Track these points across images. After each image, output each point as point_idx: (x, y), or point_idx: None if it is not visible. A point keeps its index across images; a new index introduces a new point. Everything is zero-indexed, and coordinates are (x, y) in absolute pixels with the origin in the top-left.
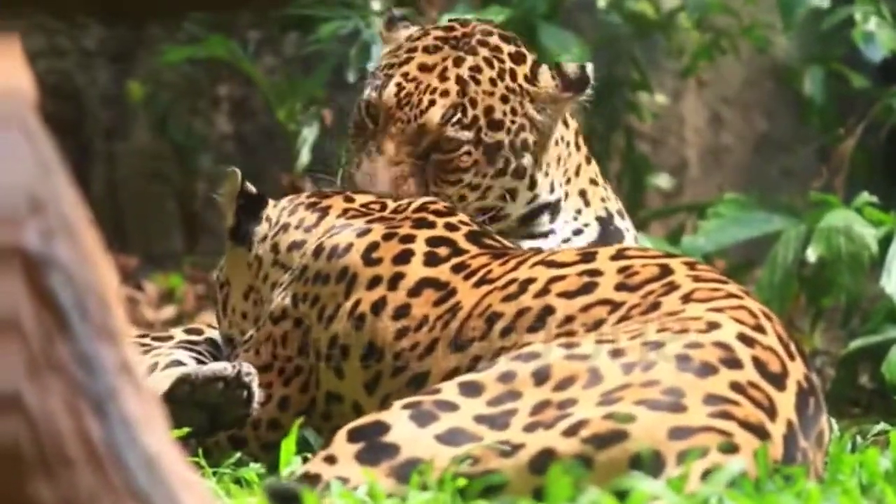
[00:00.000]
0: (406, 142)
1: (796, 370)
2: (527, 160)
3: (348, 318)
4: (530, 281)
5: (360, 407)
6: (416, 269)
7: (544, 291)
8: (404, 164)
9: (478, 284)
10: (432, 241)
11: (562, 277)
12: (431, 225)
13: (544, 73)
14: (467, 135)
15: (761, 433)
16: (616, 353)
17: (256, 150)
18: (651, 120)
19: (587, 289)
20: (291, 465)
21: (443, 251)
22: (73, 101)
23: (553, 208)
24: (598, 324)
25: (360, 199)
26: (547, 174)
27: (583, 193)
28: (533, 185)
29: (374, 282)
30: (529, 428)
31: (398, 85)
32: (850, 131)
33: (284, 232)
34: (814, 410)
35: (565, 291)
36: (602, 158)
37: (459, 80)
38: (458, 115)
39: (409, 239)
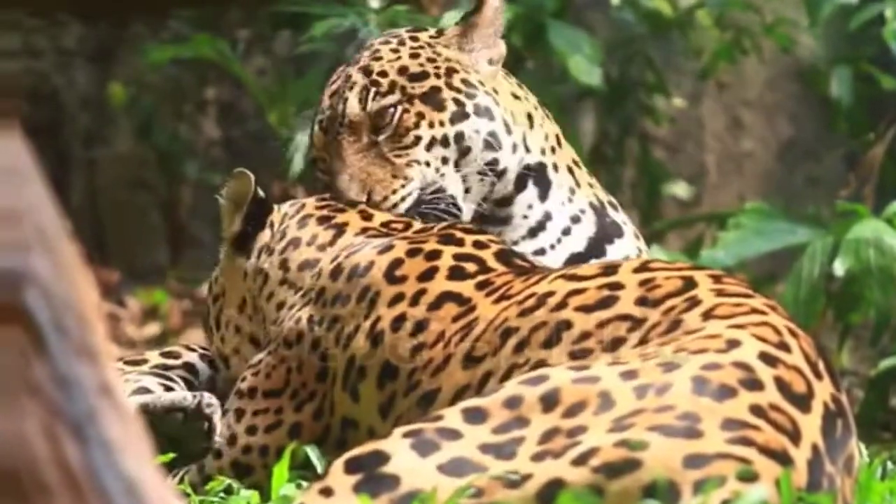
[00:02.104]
0: (347, 148)
1: (823, 390)
2: (482, 98)
3: (366, 337)
4: (549, 295)
5: (375, 432)
6: (439, 284)
7: (562, 305)
8: (358, 164)
9: (497, 301)
10: (460, 257)
11: (581, 291)
12: (460, 242)
13: (450, 27)
14: (392, 98)
15: (783, 459)
16: (629, 375)
17: (246, 157)
18: (667, 124)
19: (606, 303)
20: (284, 490)
21: (470, 267)
22: (51, 104)
23: (539, 176)
24: (615, 342)
25: (380, 217)
26: (516, 122)
27: (571, 171)
28: (508, 129)
29: (397, 299)
30: (537, 457)
31: (319, 122)
32: (881, 136)
33: (295, 248)
34: (842, 433)
35: (583, 305)
36: (615, 165)
37: (362, 69)
38: (373, 89)
39: (436, 255)
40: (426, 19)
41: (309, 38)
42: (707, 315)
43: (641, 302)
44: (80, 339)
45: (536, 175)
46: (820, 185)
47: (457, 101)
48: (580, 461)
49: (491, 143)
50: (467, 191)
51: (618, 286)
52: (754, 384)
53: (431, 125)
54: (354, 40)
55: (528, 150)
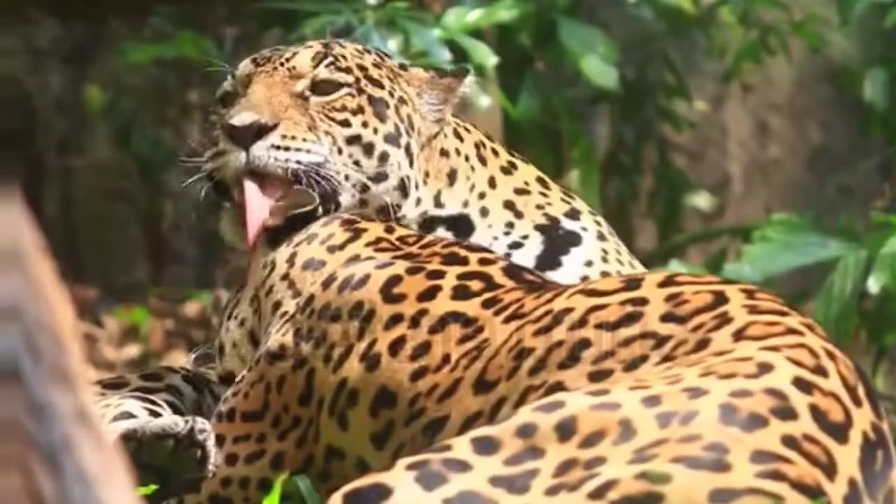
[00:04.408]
0: (280, 81)
1: (862, 419)
2: (413, 144)
3: (361, 360)
4: (567, 312)
5: (365, 464)
6: (442, 304)
7: (581, 323)
8: (282, 95)
9: (508, 320)
10: (464, 276)
11: (602, 307)
12: (464, 261)
13: (416, 69)
14: (346, 77)
15: (817, 495)
16: (651, 402)
17: None
18: (688, 130)
19: (629, 320)
20: None
21: (475, 285)
22: (23, 109)
23: (455, 225)
24: (637, 361)
25: (400, 231)
26: (426, 183)
27: (509, 205)
28: (416, 185)
29: (394, 320)
30: (552, 491)
31: (252, 58)
32: None
33: (308, 243)
34: (882, 465)
35: (604, 322)
36: (631, 174)
37: (322, 43)
38: (330, 59)
39: (438, 275)
40: (427, 17)
41: (300, 37)
42: (738, 335)
43: (667, 318)
44: (55, 362)
45: (449, 223)
46: (853, 195)
47: (396, 127)
48: (597, 495)
49: (405, 186)
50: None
51: (642, 301)
52: (787, 413)
53: (365, 125)
54: (349, 39)
55: (439, 205)
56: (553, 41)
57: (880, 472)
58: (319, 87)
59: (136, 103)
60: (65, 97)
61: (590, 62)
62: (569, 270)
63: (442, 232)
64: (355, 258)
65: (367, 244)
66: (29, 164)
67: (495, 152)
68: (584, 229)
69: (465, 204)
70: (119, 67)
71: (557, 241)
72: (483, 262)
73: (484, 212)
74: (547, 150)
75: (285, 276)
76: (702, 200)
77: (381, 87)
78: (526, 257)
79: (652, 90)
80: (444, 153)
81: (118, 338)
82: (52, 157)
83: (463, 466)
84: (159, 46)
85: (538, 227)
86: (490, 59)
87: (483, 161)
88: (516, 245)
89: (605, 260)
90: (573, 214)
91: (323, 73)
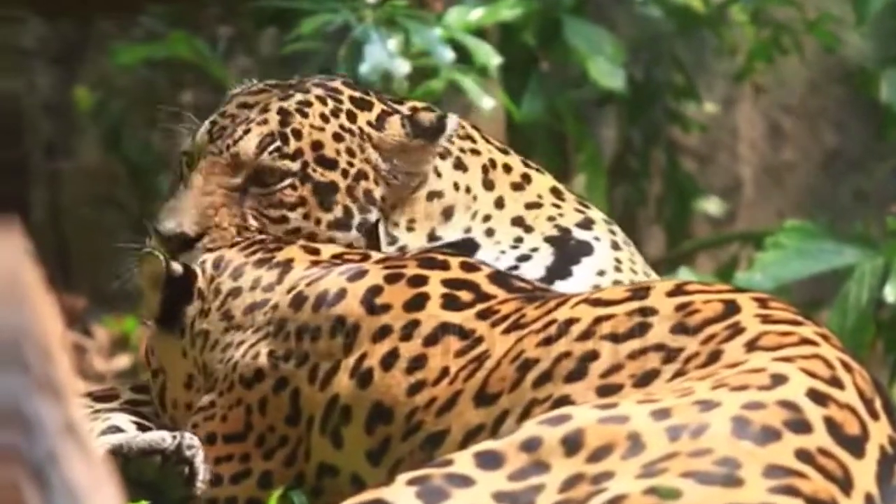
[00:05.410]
0: (218, 173)
1: (879, 432)
2: (373, 217)
3: (351, 376)
4: (572, 322)
5: (360, 480)
6: (433, 314)
7: (588, 334)
8: (214, 196)
9: (508, 331)
10: (450, 283)
11: (609, 317)
12: (444, 265)
13: (393, 122)
14: (290, 165)
15: None
16: (661, 415)
17: None
18: (698, 133)
19: (638, 331)
20: None
21: (465, 295)
22: (9, 111)
23: (458, 247)
24: (648, 376)
25: (328, 249)
26: (413, 229)
27: (518, 222)
28: (393, 242)
29: (383, 332)
30: None
31: (212, 122)
32: None
33: (236, 298)
34: None
35: (612, 334)
36: (639, 178)
37: (282, 111)
38: (278, 142)
39: (421, 281)
40: (428, 15)
41: (297, 37)
42: (751, 345)
43: (677, 329)
44: (42, 373)
45: (451, 246)
46: (868, 199)
47: (346, 210)
48: None
49: None
50: None
51: (651, 311)
52: (801, 426)
53: (306, 217)
54: (347, 39)
55: (434, 240)
56: (558, 41)
57: None
58: (260, 177)
59: (126, 105)
60: (52, 98)
61: (596, 62)
62: (579, 280)
63: None
64: (307, 277)
65: (307, 269)
66: (15, 168)
67: (507, 168)
68: (597, 239)
69: (468, 230)
70: (109, 68)
71: (568, 252)
72: (465, 266)
73: (490, 232)
74: (552, 154)
75: (228, 329)
76: (712, 205)
77: (334, 167)
78: (536, 268)
79: (660, 91)
80: (434, 196)
81: (108, 348)
82: (40, 161)
83: (465, 481)
84: (150, 47)
85: (548, 240)
86: (493, 60)
87: (490, 186)
88: (524, 258)
89: (618, 269)
90: (586, 224)
91: (266, 160)
